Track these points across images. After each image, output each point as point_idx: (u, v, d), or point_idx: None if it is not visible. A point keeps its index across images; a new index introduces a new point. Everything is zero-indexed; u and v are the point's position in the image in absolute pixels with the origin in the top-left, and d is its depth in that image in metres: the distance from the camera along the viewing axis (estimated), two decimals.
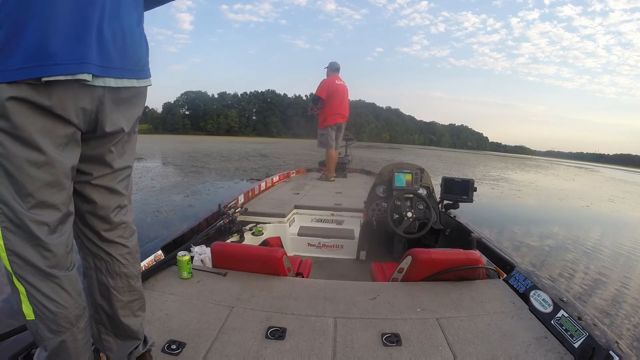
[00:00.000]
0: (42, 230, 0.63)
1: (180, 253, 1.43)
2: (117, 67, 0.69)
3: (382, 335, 1.07)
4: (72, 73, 0.61)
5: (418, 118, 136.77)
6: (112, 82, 0.69)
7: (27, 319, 0.66)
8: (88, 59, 0.63)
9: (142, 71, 0.76)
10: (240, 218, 2.44)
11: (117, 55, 0.69)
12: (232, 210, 2.37)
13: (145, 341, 0.89)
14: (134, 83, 0.74)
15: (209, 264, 1.62)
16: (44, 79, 0.58)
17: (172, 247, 1.66)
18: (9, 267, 0.63)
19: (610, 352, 0.94)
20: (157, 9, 0.94)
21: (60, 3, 0.59)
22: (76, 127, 0.66)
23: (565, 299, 1.22)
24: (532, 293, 1.31)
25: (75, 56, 0.61)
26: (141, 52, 0.76)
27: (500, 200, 8.42)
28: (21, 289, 0.64)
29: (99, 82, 0.66)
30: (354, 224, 2.85)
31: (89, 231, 0.78)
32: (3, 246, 0.62)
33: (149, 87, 0.80)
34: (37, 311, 0.65)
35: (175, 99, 78.58)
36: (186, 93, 78.86)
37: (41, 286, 0.64)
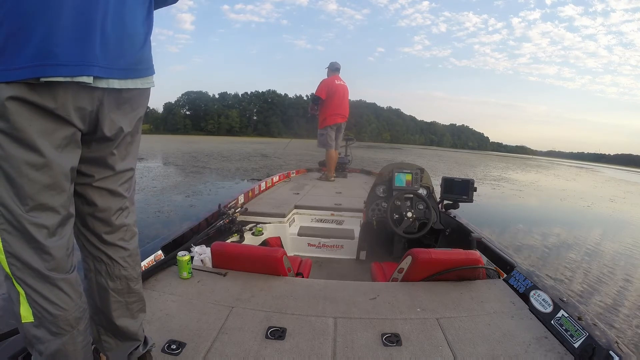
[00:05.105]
0: (41, 233, 0.62)
1: (180, 253, 1.43)
2: (121, 68, 0.68)
3: (382, 335, 1.07)
4: (73, 75, 0.60)
5: (419, 118, 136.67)
6: (115, 84, 0.68)
7: (23, 321, 0.65)
8: (91, 60, 0.62)
9: (146, 72, 0.75)
10: (240, 218, 2.44)
11: (121, 55, 0.68)
12: (232, 210, 2.37)
13: (145, 342, 0.89)
14: (137, 84, 0.73)
15: (209, 264, 1.62)
16: (43, 79, 0.57)
17: (172, 247, 1.66)
18: (8, 270, 0.63)
19: (611, 352, 0.94)
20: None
21: (64, 2, 0.58)
22: (76, 128, 0.65)
23: (565, 299, 1.21)
24: (532, 293, 1.31)
25: (78, 57, 0.60)
26: (145, 52, 0.74)
27: (501, 200, 8.40)
28: (20, 291, 0.63)
29: (103, 83, 0.65)
30: (354, 224, 2.85)
31: (90, 233, 0.78)
32: (2, 249, 0.62)
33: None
34: (37, 313, 0.64)
35: (176, 99, 78.76)
36: (187, 93, 78.96)
37: (41, 289, 0.64)
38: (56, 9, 0.57)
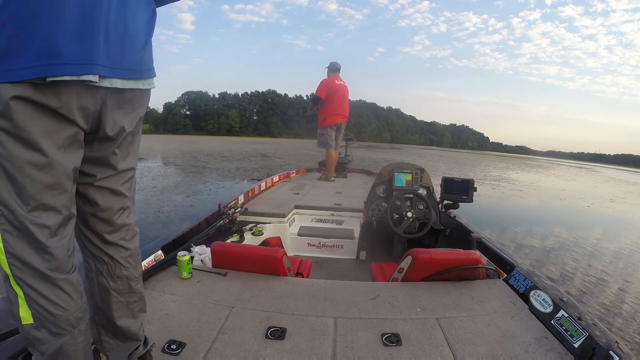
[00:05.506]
0: (43, 233, 0.62)
1: (180, 253, 1.43)
2: (124, 68, 0.69)
3: (382, 335, 1.08)
4: (79, 74, 0.60)
5: (419, 118, 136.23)
6: (118, 83, 0.68)
7: (22, 323, 0.65)
8: (95, 59, 0.62)
9: (147, 74, 0.76)
10: (240, 218, 2.44)
11: (122, 55, 0.68)
12: (232, 210, 2.37)
13: (145, 342, 0.89)
14: (139, 85, 0.74)
15: (209, 264, 1.62)
16: (49, 79, 0.57)
17: (172, 247, 1.66)
18: (7, 270, 0.62)
19: (610, 352, 0.94)
20: (158, 9, 0.94)
21: (67, 2, 0.58)
22: (79, 128, 0.65)
23: (565, 299, 1.22)
24: (532, 293, 1.31)
25: (83, 57, 0.61)
26: (147, 54, 0.75)
27: (501, 200, 8.41)
28: (19, 292, 0.63)
29: (106, 82, 0.66)
30: (354, 224, 2.85)
31: (91, 233, 0.78)
32: (2, 249, 0.61)
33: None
34: (37, 314, 0.64)
35: (176, 99, 78.47)
36: (187, 93, 78.80)
37: (41, 289, 0.63)
38: (58, 9, 0.57)
